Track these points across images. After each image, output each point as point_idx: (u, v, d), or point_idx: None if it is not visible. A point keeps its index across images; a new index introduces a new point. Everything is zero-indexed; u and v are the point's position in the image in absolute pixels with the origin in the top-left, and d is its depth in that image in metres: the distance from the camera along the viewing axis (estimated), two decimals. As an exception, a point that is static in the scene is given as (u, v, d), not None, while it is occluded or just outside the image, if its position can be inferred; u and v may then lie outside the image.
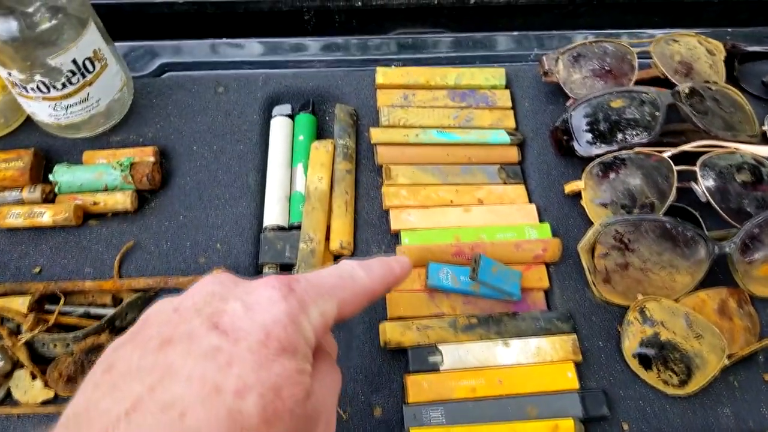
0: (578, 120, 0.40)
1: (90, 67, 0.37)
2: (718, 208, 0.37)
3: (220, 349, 0.17)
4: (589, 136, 0.40)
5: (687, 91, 0.40)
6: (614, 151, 0.39)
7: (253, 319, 0.18)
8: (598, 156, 0.39)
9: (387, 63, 0.46)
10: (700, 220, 0.39)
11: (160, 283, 0.35)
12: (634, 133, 0.39)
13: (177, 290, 0.35)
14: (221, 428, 0.16)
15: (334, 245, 0.37)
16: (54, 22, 0.34)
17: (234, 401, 0.16)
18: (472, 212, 0.39)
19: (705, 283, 0.36)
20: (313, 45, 0.48)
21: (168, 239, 0.37)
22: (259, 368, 0.17)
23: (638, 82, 0.43)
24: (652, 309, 0.34)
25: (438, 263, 0.36)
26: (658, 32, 0.50)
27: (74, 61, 0.36)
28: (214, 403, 0.16)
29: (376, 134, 0.40)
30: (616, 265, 0.35)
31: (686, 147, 0.39)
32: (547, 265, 0.37)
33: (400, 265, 0.25)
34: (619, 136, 0.39)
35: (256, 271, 0.37)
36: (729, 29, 0.53)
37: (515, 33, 0.50)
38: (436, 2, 0.50)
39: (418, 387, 0.32)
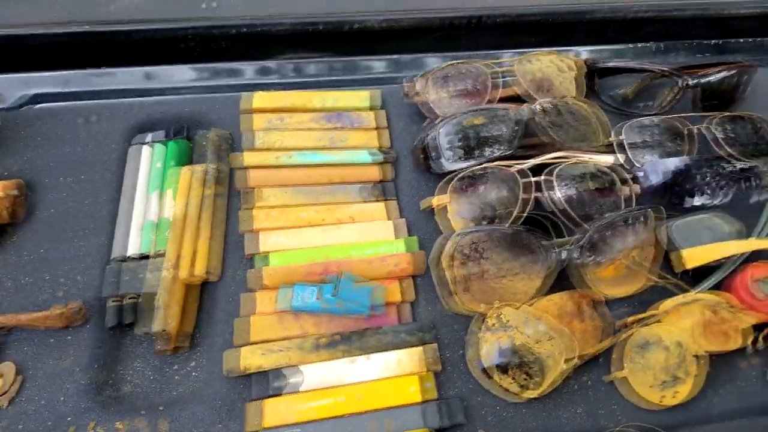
0: (440, 138, 0.42)
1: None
2: (569, 216, 0.39)
3: None
4: (450, 152, 0.41)
5: (541, 106, 0.42)
6: (471, 166, 0.40)
7: None
8: (454, 171, 0.40)
9: (266, 88, 0.46)
10: (561, 227, 0.41)
11: (11, 321, 0.34)
12: (493, 148, 0.41)
13: (30, 328, 0.34)
14: None
15: (200, 270, 0.37)
16: None
17: None
18: (341, 230, 0.39)
19: (561, 287, 0.38)
20: (190, 71, 0.49)
21: (27, 274, 0.36)
22: None
23: (502, 100, 0.45)
24: (507, 315, 0.35)
25: (302, 284, 0.36)
26: (535, 51, 0.53)
27: None
28: None
29: (247, 157, 0.41)
30: (469, 275, 0.36)
31: (540, 159, 0.41)
32: (414, 278, 0.38)
33: None
34: (479, 151, 0.41)
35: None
36: (601, 47, 0.57)
37: (394, 56, 0.51)
38: (320, 27, 0.52)
39: (274, 410, 0.32)
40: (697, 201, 0.42)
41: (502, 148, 0.41)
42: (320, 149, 0.42)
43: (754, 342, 0.37)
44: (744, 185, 0.43)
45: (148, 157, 0.42)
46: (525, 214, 0.39)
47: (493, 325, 0.35)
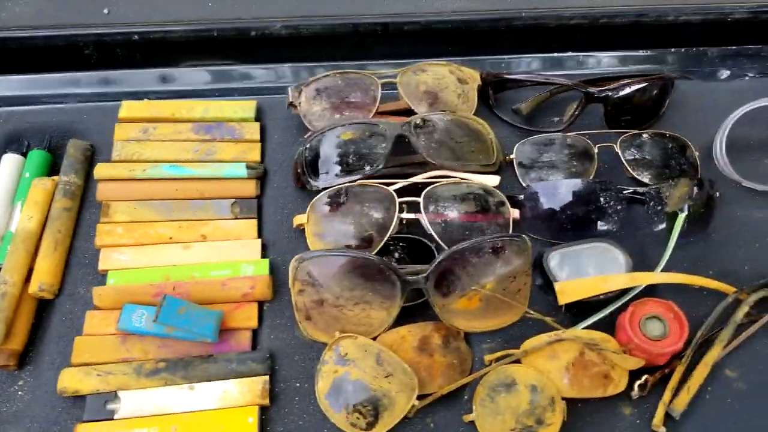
0: (312, 153, 0.40)
1: None
2: (439, 240, 0.36)
3: None
4: (322, 168, 0.39)
5: (417, 122, 0.39)
6: (340, 184, 0.38)
7: None
8: (325, 189, 0.38)
9: (141, 96, 0.45)
10: (436, 252, 0.38)
11: None
12: (364, 165, 0.39)
13: None
14: None
15: (34, 287, 0.35)
16: None
17: None
18: (192, 249, 0.37)
19: (418, 318, 0.35)
20: (70, 79, 0.47)
21: None
22: None
23: (387, 114, 0.43)
24: (347, 347, 0.33)
25: (134, 305, 0.34)
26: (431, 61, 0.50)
27: None
28: None
29: (101, 170, 0.39)
30: (313, 302, 0.34)
31: (415, 179, 0.38)
32: (262, 303, 0.36)
33: None
34: (350, 168, 0.39)
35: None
36: (526, 56, 0.54)
37: (284, 65, 0.49)
38: (215, 34, 0.50)
39: (85, 440, 0.30)
40: (587, 228, 0.39)
41: (373, 165, 0.39)
42: (185, 162, 0.40)
43: (641, 387, 0.33)
44: (643, 211, 0.40)
45: (13, 167, 0.40)
46: (387, 238, 0.36)
47: (332, 357, 0.33)
